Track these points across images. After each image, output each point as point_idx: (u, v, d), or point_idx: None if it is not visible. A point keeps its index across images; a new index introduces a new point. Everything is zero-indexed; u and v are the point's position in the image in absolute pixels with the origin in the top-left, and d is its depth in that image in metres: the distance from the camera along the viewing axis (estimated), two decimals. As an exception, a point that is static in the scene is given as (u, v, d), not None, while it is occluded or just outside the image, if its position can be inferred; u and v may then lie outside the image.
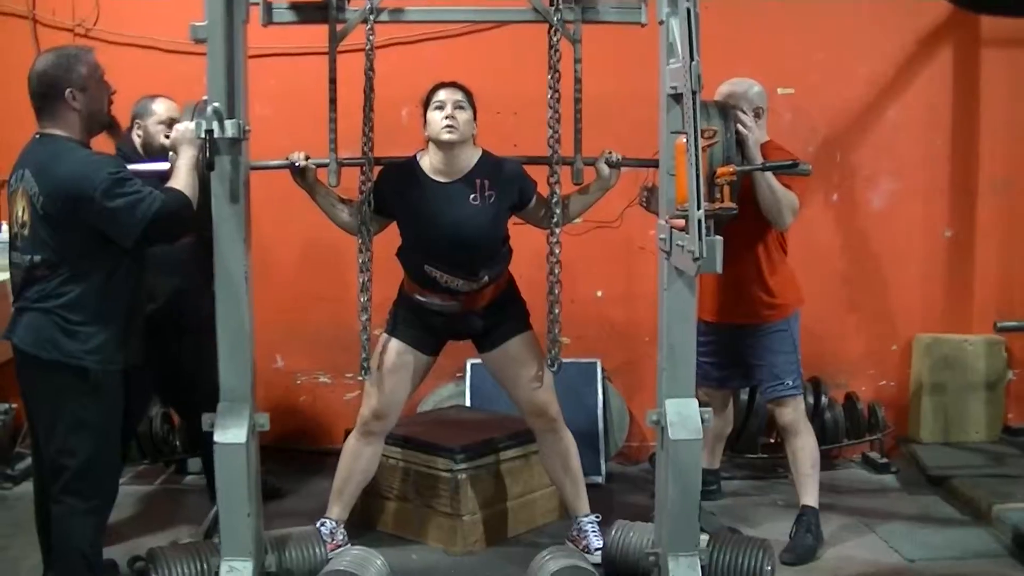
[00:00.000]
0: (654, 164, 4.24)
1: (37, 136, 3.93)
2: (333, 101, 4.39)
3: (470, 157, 4.53)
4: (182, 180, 3.92)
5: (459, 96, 4.47)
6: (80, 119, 3.90)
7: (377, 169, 4.49)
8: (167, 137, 4.34)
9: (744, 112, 4.65)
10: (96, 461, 3.91)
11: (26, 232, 3.85)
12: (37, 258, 3.83)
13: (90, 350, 3.84)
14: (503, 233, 4.65)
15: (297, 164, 4.38)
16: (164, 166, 4.11)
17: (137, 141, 4.88)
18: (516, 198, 4.57)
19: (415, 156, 4.58)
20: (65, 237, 3.79)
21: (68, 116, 3.89)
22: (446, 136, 4.42)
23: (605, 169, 4.47)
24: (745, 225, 4.43)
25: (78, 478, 3.88)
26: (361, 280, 4.48)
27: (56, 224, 3.77)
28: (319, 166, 4.44)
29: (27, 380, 3.96)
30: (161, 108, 4.86)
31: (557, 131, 4.38)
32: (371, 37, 4.32)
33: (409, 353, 4.70)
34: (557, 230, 4.45)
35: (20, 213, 3.86)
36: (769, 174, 4.59)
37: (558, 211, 4.44)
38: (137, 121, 4.90)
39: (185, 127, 3.99)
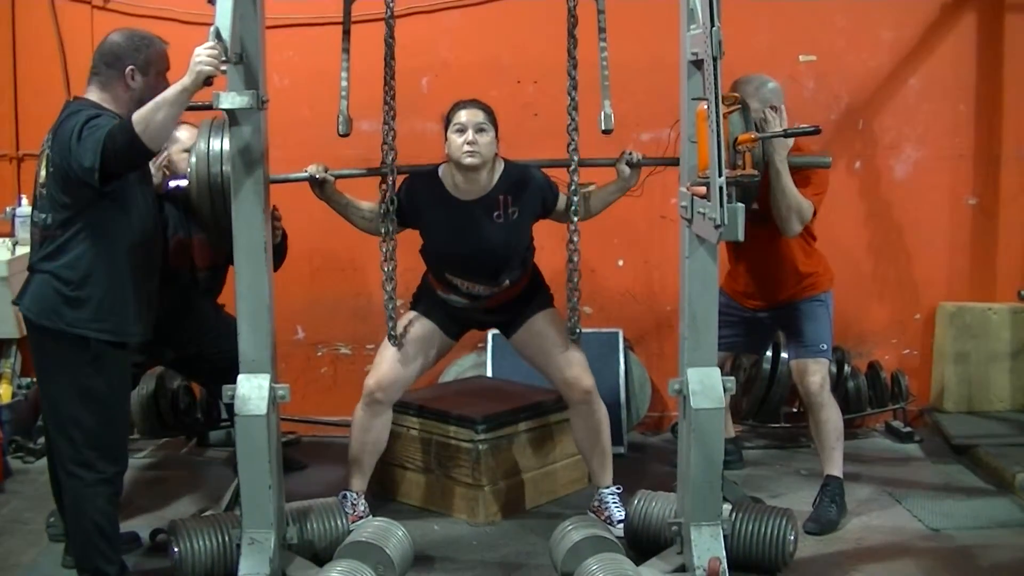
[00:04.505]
0: (674, 163, 4.24)
1: (71, 100, 3.95)
2: (346, 49, 4.37)
3: (492, 174, 4.53)
4: (153, 103, 3.61)
5: (480, 118, 4.44)
6: (131, 100, 3.84)
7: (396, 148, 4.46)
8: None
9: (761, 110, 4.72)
10: (103, 431, 3.92)
11: (44, 191, 3.89)
12: (49, 219, 3.85)
13: (89, 319, 3.83)
14: (527, 242, 4.68)
15: (316, 176, 4.41)
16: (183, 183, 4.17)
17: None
18: (539, 209, 4.60)
19: (437, 170, 4.58)
20: (67, 194, 3.79)
21: (119, 91, 3.88)
22: (468, 160, 4.41)
23: (626, 170, 4.49)
24: (774, 226, 4.68)
25: (86, 449, 3.89)
26: (385, 249, 4.47)
27: (58, 180, 3.80)
28: (339, 177, 4.47)
29: (35, 348, 4.02)
30: (184, 135, 4.68)
31: (575, 99, 4.36)
32: (391, 5, 4.29)
33: (433, 330, 4.72)
34: (575, 219, 4.47)
35: (42, 174, 3.90)
36: (787, 179, 4.62)
37: (576, 199, 4.44)
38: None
39: (200, 50, 3.60)
